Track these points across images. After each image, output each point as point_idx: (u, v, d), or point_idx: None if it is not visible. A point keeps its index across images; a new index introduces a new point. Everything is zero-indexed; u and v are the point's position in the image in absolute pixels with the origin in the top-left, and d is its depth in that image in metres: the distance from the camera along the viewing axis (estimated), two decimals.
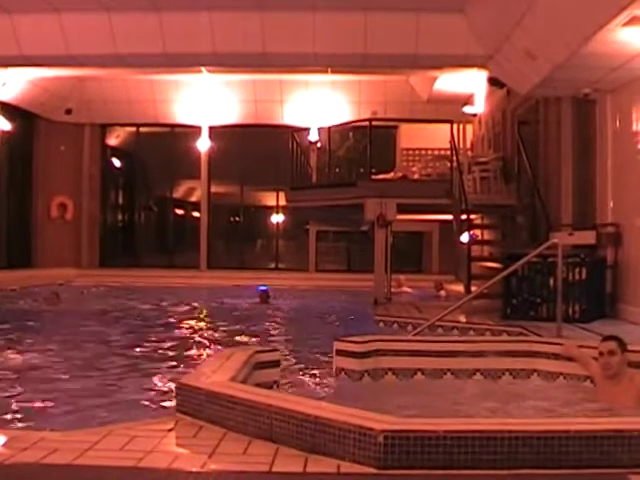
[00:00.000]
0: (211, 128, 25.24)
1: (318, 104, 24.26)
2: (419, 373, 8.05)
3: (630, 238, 12.05)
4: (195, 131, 25.28)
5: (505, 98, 17.77)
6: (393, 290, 17.94)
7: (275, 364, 7.49)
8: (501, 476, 4.36)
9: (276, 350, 7.90)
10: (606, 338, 7.12)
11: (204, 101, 24.53)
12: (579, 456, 4.42)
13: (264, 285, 19.30)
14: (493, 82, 16.67)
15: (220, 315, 15.65)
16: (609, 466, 4.42)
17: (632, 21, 9.18)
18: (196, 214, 26.55)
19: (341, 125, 21.84)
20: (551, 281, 11.37)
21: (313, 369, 9.14)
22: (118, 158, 27.20)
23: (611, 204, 12.75)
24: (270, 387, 6.96)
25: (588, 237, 12.65)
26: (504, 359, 8.14)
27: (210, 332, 13.10)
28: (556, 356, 7.94)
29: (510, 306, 12.02)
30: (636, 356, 7.22)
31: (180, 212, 28.06)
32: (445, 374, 8.03)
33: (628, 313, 11.79)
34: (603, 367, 6.81)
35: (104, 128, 26.07)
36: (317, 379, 8.60)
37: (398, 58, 15.36)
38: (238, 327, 13.57)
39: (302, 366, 9.37)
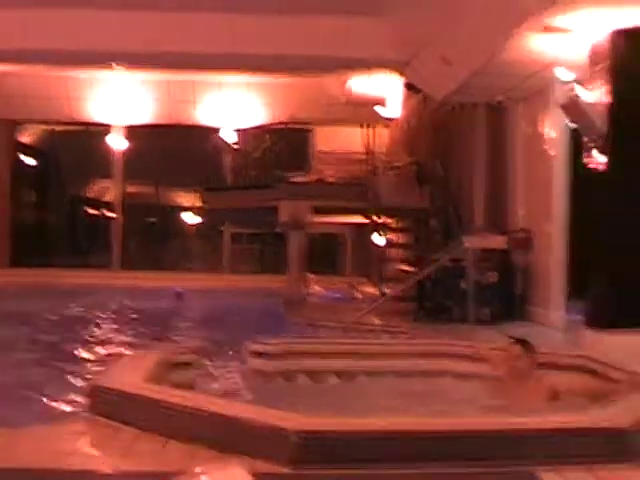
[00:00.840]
0: (126, 127, 24.97)
1: (233, 105, 24.18)
2: (332, 374, 8.11)
3: (539, 243, 12.35)
4: (110, 130, 24.97)
5: (421, 103, 17.99)
6: (304, 289, 18.01)
7: (190, 365, 7.49)
8: (412, 475, 4.46)
9: (191, 351, 7.90)
10: (514, 341, 7.28)
11: (119, 99, 24.24)
12: (489, 453, 4.54)
13: (178, 288, 19.26)
14: (410, 87, 16.88)
15: (134, 316, 15.52)
16: (519, 462, 4.55)
17: (544, 31, 9.41)
18: (110, 214, 26.23)
19: (257, 127, 21.87)
20: (463, 284, 11.58)
21: (227, 370, 9.15)
22: (31, 156, 26.70)
23: (522, 209, 13.03)
24: (185, 388, 6.96)
25: (499, 241, 12.90)
26: (417, 360, 8.26)
27: (125, 333, 13.00)
28: (468, 357, 8.10)
29: (423, 308, 12.21)
30: (544, 357, 7.41)
31: (94, 212, 27.69)
32: (358, 375, 8.11)
33: (537, 315, 12.08)
34: (510, 369, 6.97)
35: (16, 125, 25.55)
36: (231, 380, 8.61)
37: (314, 60, 15.42)
38: (153, 328, 13.48)
39: (216, 367, 9.36)
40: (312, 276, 18.93)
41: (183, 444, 4.93)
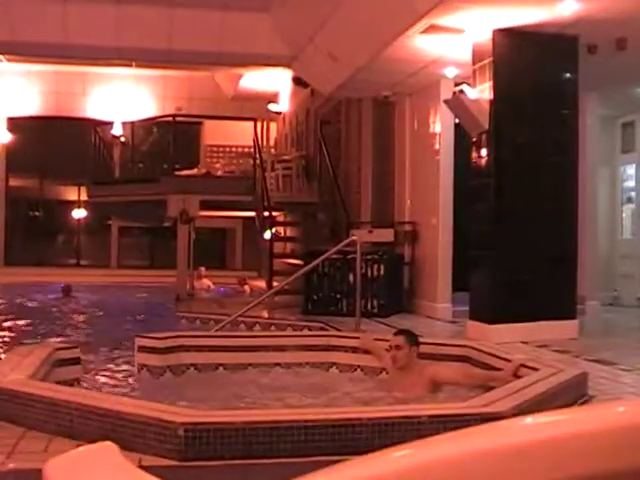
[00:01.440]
0: (9, 119, 24.40)
1: (122, 98, 23.93)
2: (221, 368, 8.14)
3: (426, 236, 12.58)
4: None
5: (309, 98, 18.12)
6: (195, 284, 17.98)
7: (76, 361, 7.42)
8: (298, 464, 4.53)
9: (77, 347, 7.82)
10: (396, 332, 7.42)
11: (2, 91, 23.68)
12: (371, 442, 4.65)
13: (65, 283, 18.96)
14: (297, 82, 16.97)
15: (18, 312, 15.22)
16: None
17: (430, 29, 9.58)
18: None
19: (145, 120, 21.66)
20: (350, 277, 11.71)
21: (115, 365, 9.07)
22: None
23: (408, 203, 13.25)
24: (71, 385, 6.89)
25: (386, 235, 13.08)
26: (305, 353, 8.34)
27: (8, 330, 12.74)
28: (354, 349, 8.22)
29: (311, 301, 12.31)
30: (428, 348, 7.59)
31: None
32: (247, 368, 8.16)
33: (424, 307, 12.31)
34: (392, 360, 7.08)
35: None
36: (119, 375, 8.53)
37: (202, 55, 15.37)
38: (37, 324, 13.26)
39: (104, 363, 9.26)
40: (200, 267, 18.89)
41: (69, 441, 4.90)
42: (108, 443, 1.98)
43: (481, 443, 1.54)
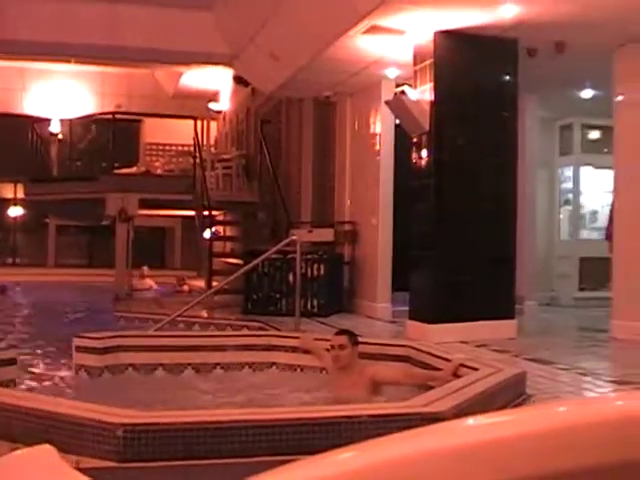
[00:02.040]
0: None
1: (60, 94, 23.63)
2: (160, 368, 8.08)
3: (365, 236, 12.62)
4: None
5: (250, 97, 18.07)
6: (137, 284, 17.84)
7: (11, 362, 7.31)
8: (239, 464, 4.51)
9: (12, 347, 7.71)
10: (338, 332, 7.42)
11: None
12: (312, 442, 4.63)
13: (1, 282, 18.69)
14: (238, 80, 16.91)
15: None
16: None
17: (371, 30, 9.60)
18: None
19: (84, 117, 21.43)
20: (290, 277, 11.70)
21: (52, 366, 8.95)
22: None
23: (349, 203, 13.28)
24: (7, 386, 6.78)
25: (326, 234, 13.10)
26: (244, 353, 8.31)
27: None
28: (294, 349, 8.21)
29: (251, 301, 12.27)
30: (369, 348, 7.61)
31: None
32: (186, 368, 8.11)
33: (363, 307, 12.35)
34: (333, 359, 7.05)
35: None
36: (56, 376, 8.43)
37: (142, 52, 15.22)
38: None
39: (40, 363, 9.15)
40: (143, 267, 18.75)
41: (7, 444, 4.82)
42: (46, 446, 1.95)
43: (428, 444, 1.53)
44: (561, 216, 15.40)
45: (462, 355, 7.31)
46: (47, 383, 8.11)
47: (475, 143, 9.65)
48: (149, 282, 19.01)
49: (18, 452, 2.01)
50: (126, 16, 14.57)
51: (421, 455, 1.50)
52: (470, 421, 1.64)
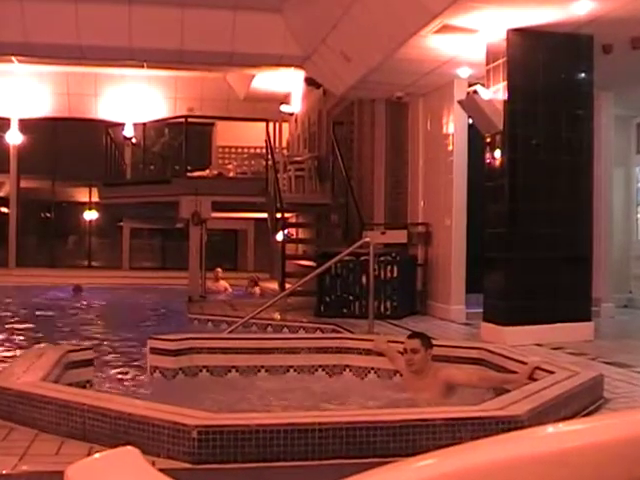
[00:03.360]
0: (21, 121, 24.45)
1: (133, 99, 23.98)
2: (233, 370, 8.14)
3: (439, 237, 12.55)
4: (4, 123, 24.42)
5: (321, 98, 18.11)
6: (212, 286, 18.02)
7: (88, 363, 7.44)
8: (312, 467, 4.52)
9: (89, 349, 7.84)
10: (411, 335, 7.39)
11: (14, 92, 23.76)
12: (386, 445, 4.63)
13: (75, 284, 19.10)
14: (310, 82, 16.96)
15: (30, 314, 15.27)
16: (415, 453, 4.64)
17: (443, 29, 9.56)
18: (5, 210, 25.64)
19: (157, 121, 21.71)
20: (363, 279, 11.69)
21: (127, 367, 9.11)
22: None
23: (422, 204, 13.22)
24: (83, 387, 6.90)
25: (399, 236, 13.06)
26: (317, 355, 8.34)
27: (22, 331, 12.78)
28: (367, 352, 8.20)
29: (324, 303, 12.27)
30: (443, 350, 7.57)
31: None
32: (259, 371, 8.16)
33: (437, 309, 12.28)
34: (407, 363, 7.05)
35: None
36: (131, 377, 8.57)
37: (214, 55, 15.36)
38: (51, 325, 13.29)
39: (116, 365, 9.31)
40: (217, 269, 18.93)
41: (82, 443, 4.90)
42: (130, 447, 1.98)
43: (514, 451, 1.52)
44: (638, 215, 15.12)
45: (538, 358, 7.23)
46: (122, 384, 8.24)
47: (550, 142, 9.53)
48: (223, 284, 19.18)
49: (103, 453, 2.04)
50: (196, 20, 14.70)
51: (507, 461, 1.49)
52: (549, 429, 1.62)
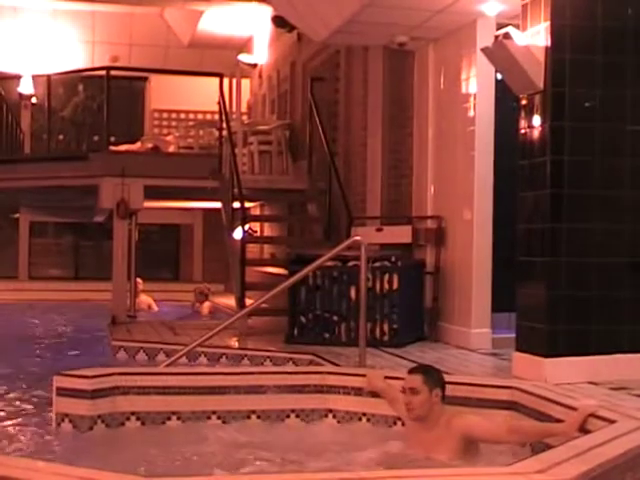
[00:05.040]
0: None
1: (33, 42, 23.83)
2: (174, 417, 8.13)
3: (455, 236, 12.52)
4: None
5: (295, 45, 18.12)
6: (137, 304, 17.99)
7: None
8: None
9: None
10: (412, 370, 7.37)
11: None
12: None
13: None
14: (279, 23, 16.96)
15: None
16: None
17: None
18: None
19: (66, 73, 21.58)
20: (352, 292, 11.70)
21: (26, 416, 9.06)
22: None
23: (432, 190, 13.22)
24: None
25: (402, 234, 13.08)
26: (289, 396, 8.34)
27: None
28: (357, 391, 8.21)
29: (298, 326, 12.28)
30: (460, 390, 7.58)
31: None
32: (209, 418, 8.15)
33: (452, 334, 12.27)
34: (405, 407, 7.05)
35: None
36: (31, 430, 8.51)
37: None
38: None
39: (10, 412, 9.26)
40: (141, 283, 18.85)
41: None
42: None
43: None
44: None
45: (593, 402, 7.25)
46: (19, 439, 8.19)
47: (610, 105, 9.52)
48: (146, 300, 19.13)
49: None
50: None
51: None
52: None
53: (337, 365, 9.75)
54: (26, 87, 21.92)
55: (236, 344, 12.12)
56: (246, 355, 11.41)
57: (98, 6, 21.06)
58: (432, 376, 7.15)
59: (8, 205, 24.53)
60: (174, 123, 23.36)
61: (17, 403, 9.65)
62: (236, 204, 14.55)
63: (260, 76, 21.41)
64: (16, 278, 25.19)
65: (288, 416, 8.25)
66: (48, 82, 19.90)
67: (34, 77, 21.54)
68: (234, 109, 17.60)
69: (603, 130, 9.50)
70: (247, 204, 14.87)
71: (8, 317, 19.38)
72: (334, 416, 8.27)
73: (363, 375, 8.44)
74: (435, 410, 6.99)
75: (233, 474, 6.42)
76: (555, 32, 9.35)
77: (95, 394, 7.98)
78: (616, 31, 9.52)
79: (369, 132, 14.88)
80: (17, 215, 25.35)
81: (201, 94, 19.91)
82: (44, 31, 23.75)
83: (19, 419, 8.93)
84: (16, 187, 19.06)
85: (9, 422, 8.80)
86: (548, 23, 9.37)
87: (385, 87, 14.64)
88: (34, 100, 21.92)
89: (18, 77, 21.91)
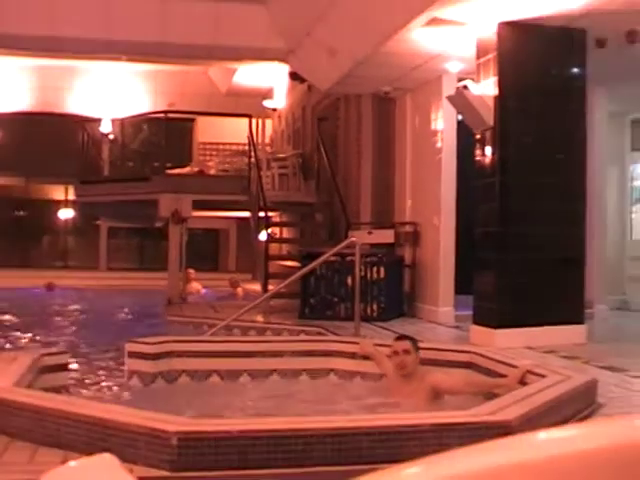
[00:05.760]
0: None
1: (111, 93, 23.87)
2: (214, 374, 8.13)
3: (427, 237, 12.56)
4: None
5: (306, 93, 18.09)
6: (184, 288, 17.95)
7: (63, 367, 7.41)
8: (296, 474, 4.51)
9: (64, 353, 7.80)
10: (400, 337, 7.39)
11: None
12: (372, 451, 4.63)
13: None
14: (294, 77, 16.94)
15: (4, 317, 15.19)
16: (402, 460, 4.63)
17: (432, 22, 9.55)
18: None
19: (135, 116, 21.63)
20: (349, 280, 11.69)
21: (104, 372, 9.07)
22: None
23: (409, 203, 13.23)
24: (58, 392, 6.87)
25: (387, 236, 13.06)
26: (302, 359, 8.34)
27: None
28: (353, 355, 8.21)
29: (308, 305, 12.27)
30: (431, 354, 7.58)
31: None
32: (242, 375, 8.15)
33: (425, 311, 12.29)
34: (398, 366, 7.01)
35: None
36: (108, 382, 8.53)
37: (195, 48, 15.33)
38: (25, 328, 13.22)
39: (93, 369, 9.26)
40: (192, 272, 18.84)
41: (56, 451, 4.87)
42: (107, 455, 1.96)
43: (499, 458, 1.52)
44: (633, 215, 15.16)
45: (529, 361, 7.24)
46: (99, 389, 8.22)
47: (542, 139, 9.55)
48: (196, 286, 19.11)
49: (77, 461, 2.02)
50: (177, 11, 14.68)
51: (497, 469, 1.49)
52: (537, 435, 1.62)
53: (338, 335, 9.74)
54: (106, 127, 21.88)
55: (261, 319, 12.09)
56: (269, 328, 11.39)
57: (159, 66, 21.03)
58: (415, 341, 7.18)
59: (91, 214, 24.56)
60: (214, 152, 23.28)
61: (98, 363, 9.66)
62: (261, 213, 14.54)
63: (279, 117, 21.38)
64: (97, 269, 25.18)
65: (301, 374, 8.24)
66: (122, 123, 19.92)
67: (112, 120, 21.52)
68: (260, 142, 17.60)
69: (537, 157, 9.53)
70: (269, 213, 14.83)
71: (91, 299, 19.41)
72: (335, 374, 8.26)
73: (357, 343, 8.44)
74: (416, 368, 7.00)
75: (260, 417, 6.42)
76: (501, 84, 9.39)
77: (156, 356, 7.97)
78: (544, 84, 9.56)
79: (362, 159, 14.84)
80: (98, 222, 25.33)
81: (235, 130, 19.82)
82: (119, 85, 23.75)
83: (100, 375, 8.95)
84: (98, 201, 19.10)
85: (93, 377, 8.82)
86: (496, 78, 9.41)
87: (374, 125, 14.61)
88: (111, 137, 21.88)
89: (100, 120, 21.89)
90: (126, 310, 17.09)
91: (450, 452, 1.57)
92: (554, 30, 9.38)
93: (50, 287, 19.57)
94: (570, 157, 9.68)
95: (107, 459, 1.94)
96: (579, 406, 5.83)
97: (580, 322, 9.73)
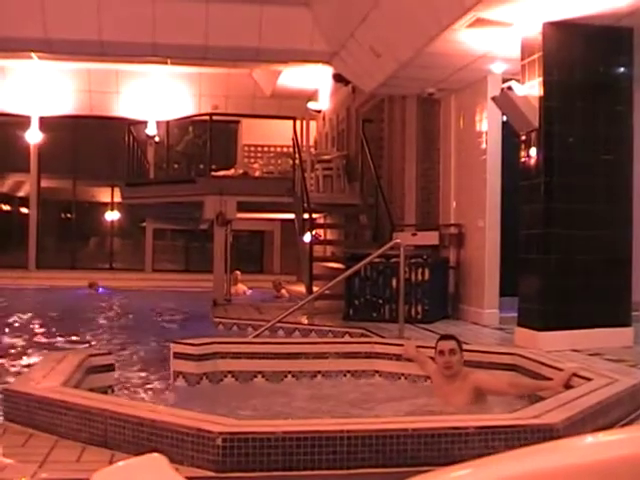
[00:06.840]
0: (42, 119, 24.54)
1: (156, 96, 24.03)
2: (259, 376, 8.15)
3: (471, 239, 12.49)
4: (24, 121, 24.48)
5: (350, 95, 18.10)
6: (230, 289, 18.02)
7: (109, 368, 7.47)
8: (340, 476, 4.51)
9: (110, 353, 7.87)
10: (445, 337, 7.36)
11: (34, 89, 23.86)
12: (417, 454, 4.62)
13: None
14: (338, 79, 16.94)
15: (49, 317, 15.35)
16: (447, 463, 4.62)
17: (476, 23, 9.51)
18: (24, 210, 25.77)
19: (180, 119, 21.76)
20: (394, 282, 11.67)
21: (150, 373, 9.13)
22: None
23: (454, 204, 13.17)
24: (104, 392, 6.93)
25: (431, 237, 13.02)
26: (346, 361, 8.34)
27: (40, 335, 12.86)
28: (397, 357, 8.20)
29: (352, 307, 12.26)
30: (475, 356, 7.55)
31: (7, 208, 27.17)
32: (286, 376, 8.16)
33: (470, 313, 12.23)
34: (444, 366, 6.97)
35: None
36: (154, 383, 8.59)
37: (240, 51, 15.39)
38: (71, 329, 13.35)
39: (138, 370, 9.34)
40: (239, 274, 18.92)
41: (103, 450, 4.92)
42: (156, 455, 1.98)
43: (544, 462, 1.51)
44: None
45: (574, 364, 7.19)
46: (145, 390, 8.27)
47: (587, 140, 9.47)
48: (242, 287, 19.16)
49: (126, 461, 2.04)
50: (222, 14, 14.73)
51: (542, 473, 1.48)
52: (586, 439, 1.61)
53: (382, 337, 9.73)
54: (151, 129, 22.03)
55: (306, 321, 12.10)
56: (313, 329, 11.41)
57: (204, 69, 21.13)
58: (459, 341, 7.15)
59: (137, 216, 24.73)
60: (259, 154, 23.36)
61: (144, 364, 9.73)
62: (305, 215, 14.57)
63: (324, 118, 21.39)
64: (143, 270, 25.33)
65: (345, 375, 8.25)
66: (167, 126, 20.03)
67: (157, 122, 21.65)
68: (304, 144, 17.64)
69: (583, 158, 9.45)
70: (314, 215, 14.85)
71: (137, 299, 19.55)
72: (380, 375, 8.26)
73: (401, 345, 8.43)
74: (459, 369, 6.97)
75: (305, 418, 6.43)
76: (546, 85, 9.32)
77: (201, 357, 8.02)
78: (590, 84, 9.47)
79: (406, 160, 14.84)
80: (144, 224, 25.48)
81: (280, 132, 19.88)
82: (164, 88, 23.89)
83: (147, 376, 9.01)
84: (144, 203, 19.22)
85: (139, 378, 8.88)
86: (541, 79, 9.34)
87: (418, 126, 14.60)
88: (157, 139, 22.02)
89: (145, 122, 22.05)
90: (171, 311, 17.17)
91: (497, 455, 1.56)
92: (600, 29, 9.29)
93: (93, 286, 19.76)
94: (616, 158, 9.59)
95: (156, 459, 1.96)
96: (625, 410, 5.79)
97: (627, 324, 9.63)
